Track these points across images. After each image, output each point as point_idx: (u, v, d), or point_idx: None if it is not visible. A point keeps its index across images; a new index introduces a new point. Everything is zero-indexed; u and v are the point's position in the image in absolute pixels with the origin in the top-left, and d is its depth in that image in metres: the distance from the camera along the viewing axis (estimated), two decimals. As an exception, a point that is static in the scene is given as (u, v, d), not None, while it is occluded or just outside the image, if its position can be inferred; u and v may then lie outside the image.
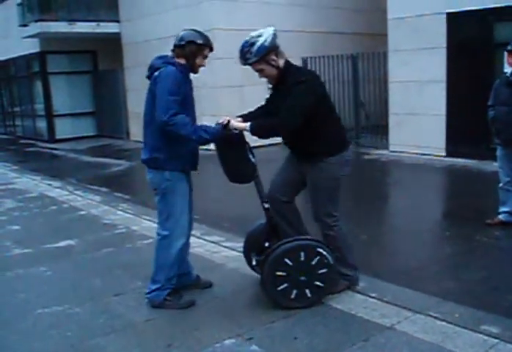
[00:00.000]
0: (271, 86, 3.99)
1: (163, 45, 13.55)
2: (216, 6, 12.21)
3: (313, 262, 3.76)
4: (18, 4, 15.95)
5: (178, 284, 4.04)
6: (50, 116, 16.64)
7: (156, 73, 3.77)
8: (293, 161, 4.11)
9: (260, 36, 3.72)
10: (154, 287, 3.91)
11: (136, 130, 15.61)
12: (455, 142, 9.78)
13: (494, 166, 8.79)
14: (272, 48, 3.73)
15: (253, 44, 3.72)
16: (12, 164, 12.20)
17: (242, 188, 4.20)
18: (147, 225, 6.14)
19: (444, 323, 3.47)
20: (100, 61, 16.91)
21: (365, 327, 3.48)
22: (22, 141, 17.94)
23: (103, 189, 8.70)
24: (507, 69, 5.85)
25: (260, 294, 3.99)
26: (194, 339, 3.40)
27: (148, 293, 3.94)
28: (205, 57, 3.84)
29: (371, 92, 11.94)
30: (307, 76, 3.81)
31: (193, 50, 3.77)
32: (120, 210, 6.97)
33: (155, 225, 6.01)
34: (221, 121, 3.79)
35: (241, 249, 4.43)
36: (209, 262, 4.84)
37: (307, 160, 3.96)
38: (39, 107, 17.16)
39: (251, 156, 3.87)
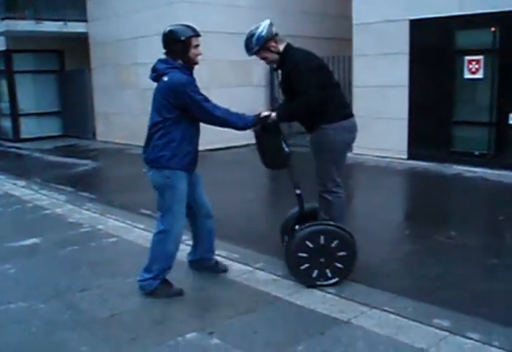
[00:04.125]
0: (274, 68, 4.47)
1: (131, 46, 13.78)
2: (185, 8, 12.28)
3: (333, 245, 4.09)
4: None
5: (197, 265, 4.50)
6: (15, 115, 16.45)
7: (165, 79, 3.92)
8: None
9: (257, 28, 4.18)
10: (147, 276, 4.09)
11: (103, 130, 15.58)
12: (417, 145, 10.05)
13: (454, 168, 9.13)
14: (269, 36, 4.18)
15: (253, 35, 4.18)
16: (-25, 163, 12.07)
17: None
18: (112, 224, 6.20)
19: (398, 317, 3.64)
20: (67, 60, 16.76)
21: (323, 321, 3.62)
22: (-15, 140, 17.70)
23: (68, 189, 8.68)
24: None
25: (222, 291, 4.12)
26: (157, 333, 3.50)
27: (141, 281, 4.12)
28: (197, 46, 4.02)
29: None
30: (300, 56, 4.21)
31: (181, 48, 3.94)
32: (85, 210, 6.99)
33: (121, 224, 6.18)
34: (258, 113, 4.17)
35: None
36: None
37: (311, 131, 4.34)
38: (5, 106, 16.94)
39: (285, 145, 4.22)
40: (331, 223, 4.20)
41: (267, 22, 4.23)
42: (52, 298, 4.13)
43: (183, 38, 3.92)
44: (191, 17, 12.13)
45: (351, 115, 4.40)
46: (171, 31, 3.97)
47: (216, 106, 3.97)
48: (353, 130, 4.37)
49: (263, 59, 4.33)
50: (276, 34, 4.25)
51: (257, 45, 4.18)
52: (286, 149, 4.25)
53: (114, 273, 4.66)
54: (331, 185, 4.31)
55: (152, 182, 4.07)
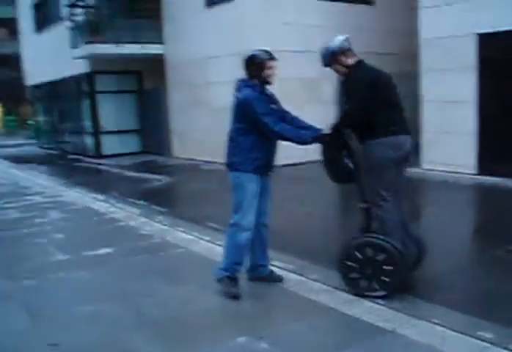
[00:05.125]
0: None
1: (203, 66, 14.35)
2: (257, 28, 12.68)
3: (379, 258, 4.26)
4: (70, 27, 16.82)
5: (254, 275, 4.81)
6: (97, 133, 17.42)
7: (238, 95, 4.51)
8: None
9: (332, 41, 4.56)
10: (221, 266, 4.60)
11: (178, 146, 16.19)
12: (486, 160, 9.93)
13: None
14: (340, 50, 4.51)
15: (326, 48, 4.57)
16: (60, 178, 12.87)
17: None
18: (181, 236, 6.56)
19: (442, 328, 3.74)
20: (145, 80, 17.60)
21: (368, 330, 3.77)
22: (70, 156, 18.77)
23: (142, 202, 9.18)
24: None
25: (275, 299, 4.35)
26: (211, 336, 3.77)
27: (216, 269, 4.65)
28: (271, 68, 4.49)
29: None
30: (363, 73, 4.45)
31: (255, 69, 4.48)
32: (157, 222, 7.41)
33: (188, 236, 6.53)
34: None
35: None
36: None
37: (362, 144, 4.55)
38: (87, 124, 17.96)
39: (347, 160, 4.46)
40: (381, 237, 4.34)
41: (342, 37, 4.58)
42: (119, 301, 4.49)
43: (258, 60, 4.47)
44: (262, 37, 12.57)
45: (399, 132, 4.47)
46: (251, 56, 4.54)
47: (276, 122, 4.36)
48: (400, 148, 4.43)
49: (335, 71, 4.64)
50: (349, 49, 4.54)
51: (327, 58, 4.57)
52: (349, 164, 4.45)
53: (178, 281, 4.99)
54: (377, 200, 4.45)
55: (230, 182, 4.59)
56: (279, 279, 4.79)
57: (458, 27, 10.09)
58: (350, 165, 4.46)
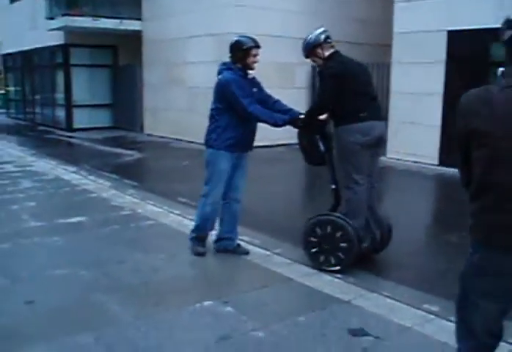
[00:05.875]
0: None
1: (182, 45, 14.47)
2: (237, 11, 12.82)
3: (337, 235, 4.58)
4: (47, -1, 16.72)
5: (220, 247, 5.11)
6: (69, 106, 17.38)
7: (219, 77, 4.82)
8: None
9: (310, 34, 4.77)
10: (192, 228, 5.13)
11: (150, 123, 16.30)
12: (448, 152, 10.33)
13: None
14: (316, 44, 4.73)
15: (305, 41, 4.79)
16: (30, 149, 12.91)
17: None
18: (151, 209, 6.79)
19: (393, 301, 4.08)
20: (121, 56, 17.62)
21: (325, 300, 4.08)
22: (41, 128, 18.70)
23: (114, 176, 9.36)
24: None
25: (241, 270, 4.64)
26: (179, 300, 4.05)
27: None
28: (255, 56, 4.80)
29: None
30: (332, 64, 4.70)
31: (240, 55, 4.77)
32: (128, 195, 7.62)
33: (159, 209, 6.76)
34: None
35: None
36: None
37: None
38: (60, 96, 17.90)
39: (321, 144, 4.76)
40: (341, 216, 4.66)
41: (320, 30, 4.79)
42: (92, 266, 4.72)
43: (244, 47, 4.75)
44: (241, 20, 12.73)
45: (369, 119, 4.68)
46: (237, 41, 4.82)
47: (251, 103, 4.66)
48: (368, 133, 4.64)
49: (314, 62, 4.91)
50: (326, 41, 4.75)
51: (305, 50, 4.81)
52: (322, 147, 4.76)
53: (148, 250, 5.25)
54: (348, 182, 4.73)
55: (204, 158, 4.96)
56: (245, 252, 5.07)
57: (430, 23, 10.42)
58: (323, 148, 4.76)
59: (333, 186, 4.85)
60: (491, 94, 2.05)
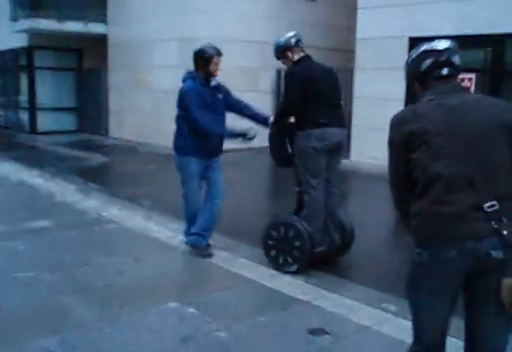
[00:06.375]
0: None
1: (146, 49, 14.47)
2: (200, 16, 12.91)
3: (290, 235, 4.72)
4: (11, 0, 16.52)
5: (191, 241, 5.22)
6: (33, 109, 17.19)
7: (181, 85, 5.02)
8: None
9: (281, 37, 4.90)
10: (189, 231, 5.26)
11: (115, 127, 16.25)
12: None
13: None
14: (286, 47, 4.84)
15: (276, 44, 4.92)
16: (-8, 152, 12.75)
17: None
18: (116, 212, 6.82)
19: (352, 301, 4.21)
20: (85, 59, 17.50)
21: (286, 300, 4.19)
22: (4, 131, 18.43)
23: (79, 179, 9.32)
24: None
25: (205, 272, 4.71)
26: (143, 301, 4.10)
27: (187, 235, 5.31)
28: (217, 64, 5.00)
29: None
30: (297, 69, 4.82)
31: (203, 63, 4.96)
32: (92, 199, 7.62)
33: (123, 213, 6.79)
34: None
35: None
36: (166, 244, 5.55)
37: None
38: (24, 99, 17.68)
39: (288, 146, 4.89)
40: (292, 216, 4.86)
41: (291, 33, 4.91)
42: (56, 270, 4.74)
43: (206, 56, 4.93)
44: (206, 25, 12.83)
45: (328, 125, 4.75)
46: (199, 50, 5.00)
47: (202, 115, 4.87)
48: (325, 139, 4.73)
49: (284, 64, 5.03)
50: (296, 45, 4.86)
51: (276, 52, 4.94)
52: (289, 149, 4.89)
53: (113, 253, 5.29)
54: (305, 187, 4.85)
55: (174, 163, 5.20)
56: (210, 254, 5.14)
57: (392, 29, 10.68)
58: (290, 150, 4.89)
59: (297, 189, 4.97)
60: (418, 108, 2.35)
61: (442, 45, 2.43)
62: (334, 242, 5.03)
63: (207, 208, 5.17)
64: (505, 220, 2.14)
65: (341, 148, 5.01)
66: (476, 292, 2.29)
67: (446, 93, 2.35)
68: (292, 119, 4.86)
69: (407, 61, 2.54)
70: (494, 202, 2.15)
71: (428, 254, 2.28)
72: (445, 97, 2.33)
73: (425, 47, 2.45)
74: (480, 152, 2.21)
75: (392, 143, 2.39)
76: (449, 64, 2.41)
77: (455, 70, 2.43)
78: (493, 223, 2.13)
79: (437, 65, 2.40)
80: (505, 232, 2.12)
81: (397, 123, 2.37)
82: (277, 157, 5.07)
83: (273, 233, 4.86)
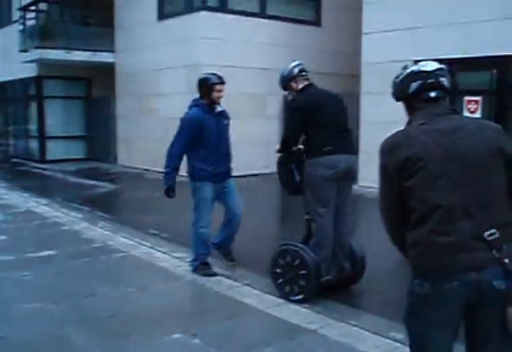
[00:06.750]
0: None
1: (154, 76, 14.61)
2: (206, 43, 13.04)
3: (295, 264, 4.67)
4: (20, 31, 16.79)
5: (217, 248, 5.74)
6: (42, 137, 17.34)
7: (186, 112, 5.31)
8: None
9: (285, 68, 4.92)
10: (191, 258, 5.48)
11: (124, 155, 16.33)
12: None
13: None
14: (290, 77, 4.86)
15: (280, 75, 4.93)
16: (1, 181, 12.81)
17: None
18: (122, 241, 6.80)
19: (359, 329, 4.14)
20: (94, 88, 17.68)
21: (292, 330, 4.13)
22: (13, 160, 18.58)
23: (86, 208, 9.33)
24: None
25: (210, 301, 4.67)
26: (148, 332, 4.06)
27: (189, 262, 5.55)
28: (219, 91, 5.16)
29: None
30: (299, 97, 4.82)
31: (206, 90, 5.18)
32: (99, 227, 7.62)
33: (130, 242, 6.78)
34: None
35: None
36: (172, 273, 5.51)
37: None
38: (33, 128, 17.85)
39: (297, 174, 4.86)
40: (298, 245, 4.77)
41: (294, 63, 4.93)
42: (61, 300, 4.71)
43: (209, 84, 5.13)
44: (210, 52, 12.95)
45: (335, 152, 4.67)
46: (202, 78, 5.21)
47: (178, 146, 5.22)
48: (334, 167, 4.66)
49: (290, 95, 5.08)
50: (300, 75, 4.85)
51: (281, 84, 4.98)
52: (297, 177, 4.85)
53: (118, 282, 5.26)
54: (312, 214, 4.81)
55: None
56: (232, 260, 5.80)
57: (396, 53, 10.71)
58: (298, 178, 4.85)
59: (306, 216, 4.92)
60: (409, 132, 2.32)
61: (430, 66, 2.39)
62: (343, 270, 4.94)
63: (229, 226, 5.61)
64: (504, 248, 2.10)
65: (351, 175, 4.88)
66: (477, 322, 2.24)
67: (436, 116, 2.31)
68: (300, 146, 4.83)
69: (394, 81, 2.52)
70: (494, 230, 2.11)
71: (429, 284, 2.22)
72: (436, 121, 2.29)
73: (413, 68, 2.42)
74: (475, 179, 2.17)
75: (385, 170, 2.35)
76: (437, 86, 2.37)
77: (445, 91, 2.40)
78: (494, 252, 2.10)
79: (425, 87, 2.37)
80: (506, 261, 2.08)
81: (390, 148, 2.33)
82: (286, 184, 5.05)
83: (280, 261, 4.81)
